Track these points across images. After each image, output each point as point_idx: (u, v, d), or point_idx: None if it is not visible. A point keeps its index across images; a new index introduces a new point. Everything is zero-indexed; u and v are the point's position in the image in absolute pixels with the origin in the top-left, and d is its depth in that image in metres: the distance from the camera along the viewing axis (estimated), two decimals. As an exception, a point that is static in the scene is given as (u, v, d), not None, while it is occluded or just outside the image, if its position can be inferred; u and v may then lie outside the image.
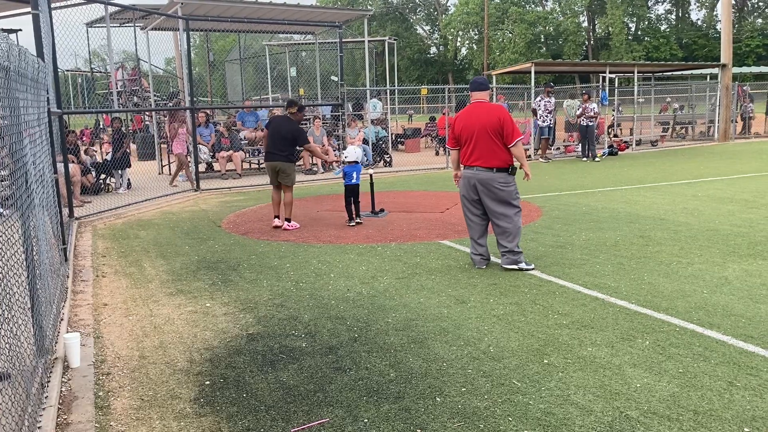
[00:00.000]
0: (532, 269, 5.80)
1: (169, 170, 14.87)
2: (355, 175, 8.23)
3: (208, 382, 3.67)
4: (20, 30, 14.33)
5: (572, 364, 3.72)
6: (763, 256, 6.00)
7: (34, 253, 3.83)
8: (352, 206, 8.28)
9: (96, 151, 13.56)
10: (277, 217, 8.35)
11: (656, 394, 3.31)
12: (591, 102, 16.34)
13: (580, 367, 3.69)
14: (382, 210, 9.00)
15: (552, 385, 3.47)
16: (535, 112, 16.41)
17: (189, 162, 12.71)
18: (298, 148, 8.48)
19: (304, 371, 3.76)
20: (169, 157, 14.89)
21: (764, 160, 14.68)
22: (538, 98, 16.41)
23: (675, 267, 5.74)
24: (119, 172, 12.41)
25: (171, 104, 16.34)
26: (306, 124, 16.50)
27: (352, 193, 8.26)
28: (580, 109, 16.38)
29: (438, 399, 3.36)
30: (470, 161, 5.83)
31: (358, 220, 8.31)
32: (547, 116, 16.15)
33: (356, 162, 8.34)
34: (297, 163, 8.51)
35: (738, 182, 11.08)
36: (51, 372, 3.71)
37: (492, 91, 19.07)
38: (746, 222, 7.59)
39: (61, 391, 3.58)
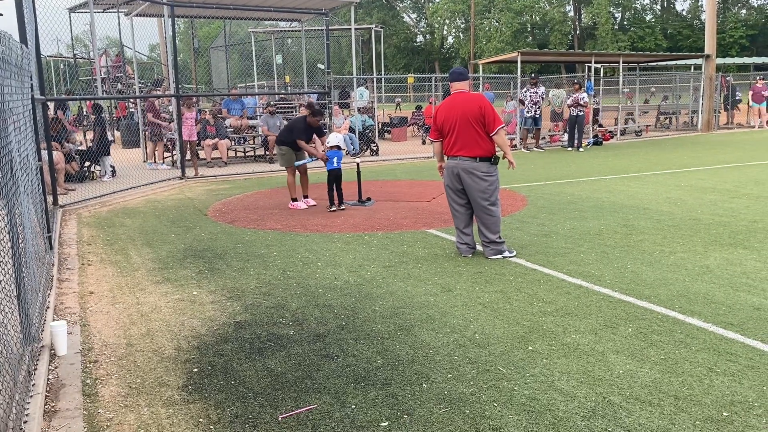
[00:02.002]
0: (514, 256, 5.88)
1: (155, 158, 14.74)
2: (336, 160, 8.31)
3: (195, 370, 3.68)
4: (1, 15, 14.10)
5: (556, 351, 3.78)
6: (743, 245, 6.10)
7: (20, 241, 3.81)
8: (335, 192, 8.37)
9: (77, 140, 13.41)
10: (306, 196, 9.02)
11: (638, 380, 3.38)
12: (581, 92, 16.39)
13: (564, 353, 3.75)
14: (369, 199, 9.02)
15: (536, 371, 3.53)
16: (522, 102, 16.47)
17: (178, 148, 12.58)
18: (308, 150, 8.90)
19: (292, 358, 3.79)
20: (148, 144, 14.76)
21: (746, 151, 14.87)
22: (524, 89, 16.47)
23: (657, 256, 5.82)
24: (101, 159, 12.32)
25: (155, 91, 16.20)
26: (292, 111, 16.46)
27: (334, 178, 8.37)
28: (571, 99, 16.44)
29: (424, 385, 3.40)
30: (453, 151, 5.85)
31: (342, 207, 8.36)
32: (531, 107, 16.22)
33: (338, 147, 8.38)
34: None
35: (720, 172, 11.22)
36: (38, 360, 3.71)
37: (478, 80, 19.08)
38: (728, 211, 7.70)
39: (48, 378, 3.58)
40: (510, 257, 5.85)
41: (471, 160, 5.76)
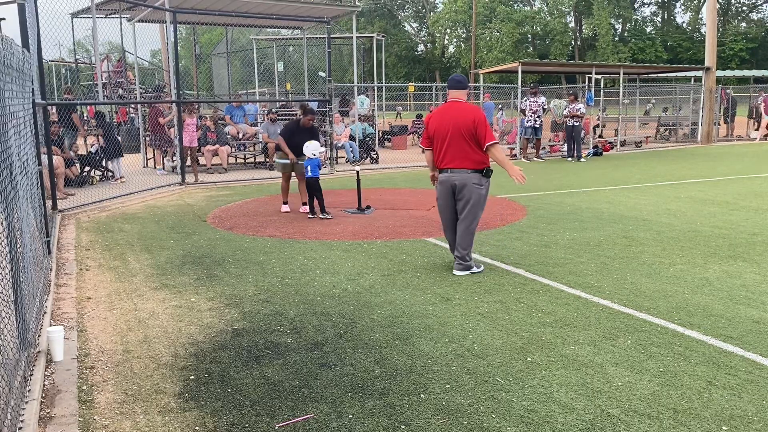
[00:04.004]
0: (482, 271, 5.75)
1: (154, 163, 14.75)
2: (309, 168, 8.40)
3: (192, 377, 3.66)
4: (4, 19, 14.14)
5: (555, 362, 3.77)
6: (743, 258, 6.09)
7: (18, 245, 3.80)
8: (314, 200, 8.52)
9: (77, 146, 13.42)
10: (304, 203, 8.95)
11: (637, 393, 3.36)
12: (578, 102, 16.45)
13: (563, 365, 3.73)
14: (368, 207, 9.01)
15: (535, 382, 3.51)
16: (523, 111, 16.47)
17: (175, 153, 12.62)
18: (283, 147, 8.87)
19: (289, 367, 3.77)
20: (154, 151, 14.77)
21: (745, 163, 14.88)
22: (524, 99, 16.48)
23: (657, 267, 5.81)
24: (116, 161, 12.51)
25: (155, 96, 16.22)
26: (293, 119, 16.47)
27: (308, 186, 8.49)
28: (567, 110, 16.49)
29: (422, 395, 3.38)
30: (444, 163, 5.70)
31: (321, 216, 8.44)
32: (531, 116, 16.23)
33: (311, 156, 8.43)
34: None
35: (720, 184, 11.23)
36: (34, 365, 3.69)
37: (479, 90, 19.10)
38: (727, 224, 7.70)
39: (44, 384, 3.56)
40: (478, 272, 5.71)
41: (462, 172, 5.61)
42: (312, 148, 8.45)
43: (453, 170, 5.66)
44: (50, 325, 4.38)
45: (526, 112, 16.24)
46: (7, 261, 3.54)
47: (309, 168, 8.42)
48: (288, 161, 8.78)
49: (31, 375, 3.55)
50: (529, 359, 3.82)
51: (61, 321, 4.65)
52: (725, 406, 3.21)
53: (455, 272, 5.71)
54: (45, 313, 4.70)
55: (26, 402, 3.23)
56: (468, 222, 5.68)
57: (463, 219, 5.70)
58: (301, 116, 8.83)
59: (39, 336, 4.14)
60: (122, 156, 12.76)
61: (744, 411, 3.16)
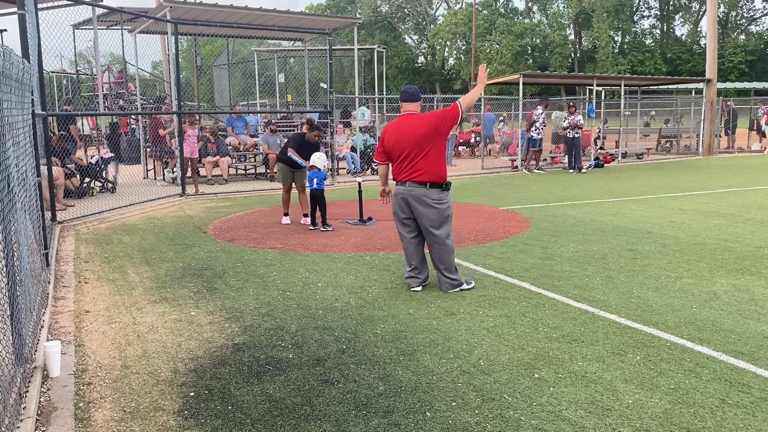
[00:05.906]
0: (473, 287, 5.56)
1: (154, 174, 14.70)
2: (315, 180, 8.35)
3: (192, 394, 3.58)
4: (5, 30, 14.17)
5: (563, 379, 3.68)
6: (750, 271, 6.01)
7: (15, 258, 3.72)
8: (316, 211, 8.46)
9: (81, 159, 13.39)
10: (305, 215, 8.90)
11: (648, 411, 3.28)
12: (577, 114, 16.41)
13: (572, 381, 3.64)
14: (370, 218, 8.95)
15: (543, 400, 3.42)
16: (533, 123, 16.08)
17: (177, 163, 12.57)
18: (294, 157, 8.81)
19: (291, 383, 3.69)
20: (155, 162, 14.73)
21: (748, 175, 14.83)
22: (539, 111, 16.07)
23: (664, 281, 5.73)
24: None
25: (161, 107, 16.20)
26: (294, 130, 16.45)
27: (312, 198, 8.46)
28: (567, 121, 16.44)
29: (428, 413, 3.29)
30: (402, 176, 5.46)
31: (323, 228, 8.38)
32: (542, 129, 16.09)
33: (317, 168, 8.41)
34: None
35: (723, 196, 11.16)
36: (30, 382, 3.60)
37: (480, 101, 19.07)
38: (733, 236, 7.62)
39: (39, 401, 3.47)
40: (468, 289, 5.52)
41: (421, 186, 5.38)
42: (323, 161, 8.48)
43: (412, 184, 5.43)
44: (47, 340, 4.30)
45: (538, 123, 15.88)
46: (3, 274, 3.47)
47: (315, 180, 8.38)
48: (292, 170, 8.80)
49: (27, 392, 3.46)
50: (536, 376, 3.73)
51: (59, 335, 4.56)
52: (740, 425, 3.13)
53: (445, 291, 5.50)
54: (42, 327, 4.62)
55: (21, 420, 3.14)
56: (441, 240, 5.47)
57: (435, 240, 5.48)
58: (306, 131, 8.79)
59: (35, 351, 4.06)
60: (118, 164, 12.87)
61: (759, 430, 3.07)
